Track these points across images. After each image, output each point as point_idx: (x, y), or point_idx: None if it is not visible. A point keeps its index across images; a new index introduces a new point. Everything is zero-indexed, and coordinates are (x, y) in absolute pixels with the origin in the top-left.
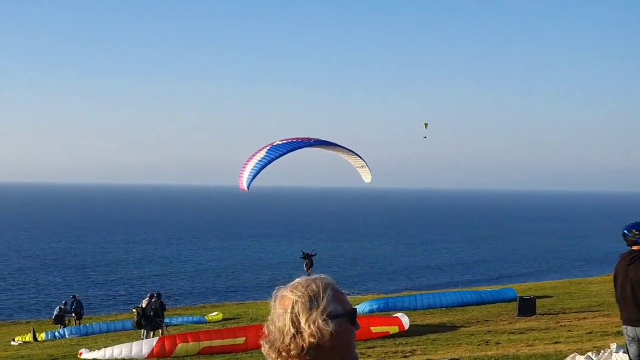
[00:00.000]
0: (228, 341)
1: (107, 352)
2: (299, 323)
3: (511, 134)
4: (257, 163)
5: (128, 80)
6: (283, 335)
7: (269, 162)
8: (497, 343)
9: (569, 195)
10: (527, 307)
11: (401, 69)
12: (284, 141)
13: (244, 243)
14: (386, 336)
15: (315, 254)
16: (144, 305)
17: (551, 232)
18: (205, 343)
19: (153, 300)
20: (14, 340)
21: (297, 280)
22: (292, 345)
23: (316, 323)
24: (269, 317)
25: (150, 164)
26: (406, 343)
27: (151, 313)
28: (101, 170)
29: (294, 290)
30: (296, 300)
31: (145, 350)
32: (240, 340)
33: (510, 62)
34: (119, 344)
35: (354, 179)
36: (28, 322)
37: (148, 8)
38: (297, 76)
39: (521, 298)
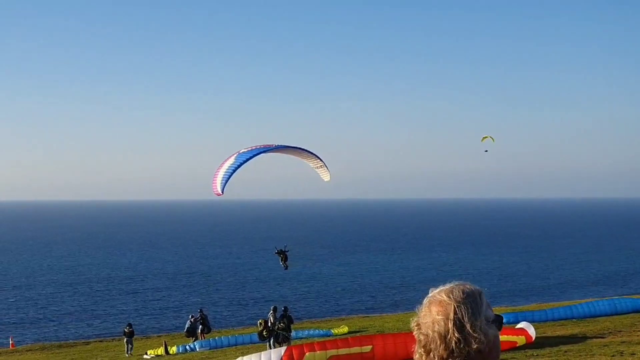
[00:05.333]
0: (355, 349)
1: None
2: (464, 328)
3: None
4: (227, 169)
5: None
6: (445, 342)
7: (238, 166)
8: (633, 354)
9: None
10: None
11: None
12: (249, 148)
13: (369, 257)
14: (515, 347)
15: (288, 251)
16: (271, 319)
17: None
18: (332, 352)
19: (277, 313)
20: (146, 354)
21: (448, 285)
22: (456, 351)
23: (482, 329)
24: (421, 323)
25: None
26: (537, 355)
27: (276, 327)
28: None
29: (451, 295)
30: (458, 305)
31: None
32: (367, 348)
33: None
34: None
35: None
36: (159, 336)
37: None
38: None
39: None
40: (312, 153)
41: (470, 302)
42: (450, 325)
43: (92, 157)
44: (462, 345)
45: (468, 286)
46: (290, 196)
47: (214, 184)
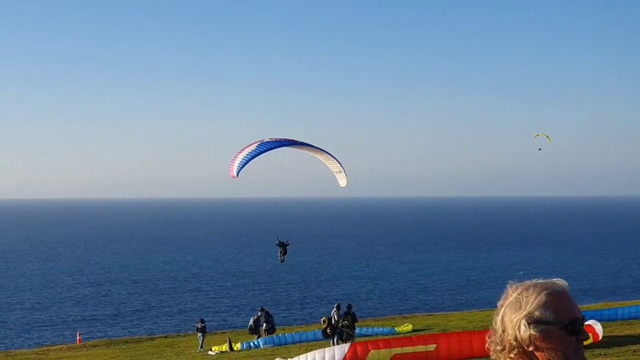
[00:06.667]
0: (419, 348)
1: (302, 358)
2: (504, 322)
3: None
4: (247, 154)
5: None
6: (496, 330)
7: (258, 154)
8: None
9: None
10: None
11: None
12: (273, 139)
13: (434, 255)
14: None
15: (289, 244)
16: (335, 317)
17: None
18: (397, 350)
19: (340, 310)
20: (211, 350)
21: (527, 280)
22: (498, 340)
23: (516, 325)
24: None
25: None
26: (605, 354)
27: (340, 324)
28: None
29: (514, 291)
30: (510, 300)
31: (338, 356)
32: (431, 347)
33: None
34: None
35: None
36: (224, 333)
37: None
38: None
39: None
40: (333, 157)
41: (519, 297)
42: (499, 316)
43: (162, 156)
44: (503, 337)
45: (540, 283)
46: (346, 193)
47: (230, 167)
